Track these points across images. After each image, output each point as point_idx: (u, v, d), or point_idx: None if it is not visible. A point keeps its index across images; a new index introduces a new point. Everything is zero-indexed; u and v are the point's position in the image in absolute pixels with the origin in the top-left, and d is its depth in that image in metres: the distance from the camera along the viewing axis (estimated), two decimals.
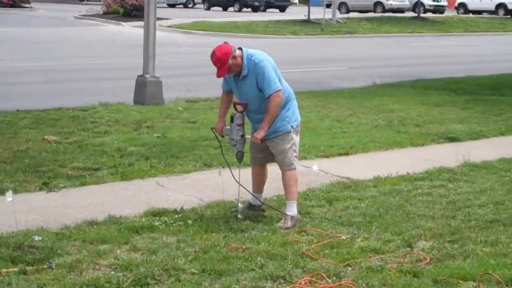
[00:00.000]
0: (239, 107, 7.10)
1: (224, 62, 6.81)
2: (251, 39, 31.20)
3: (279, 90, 6.86)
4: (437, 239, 6.61)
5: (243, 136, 7.07)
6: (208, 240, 6.43)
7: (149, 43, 14.28)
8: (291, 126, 7.06)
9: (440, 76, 19.41)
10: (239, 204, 7.12)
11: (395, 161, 9.86)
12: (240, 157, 7.16)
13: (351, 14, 47.14)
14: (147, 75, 14.21)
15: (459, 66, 22.31)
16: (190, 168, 9.10)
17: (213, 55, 6.85)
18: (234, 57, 6.86)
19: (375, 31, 38.51)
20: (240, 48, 6.96)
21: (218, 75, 6.93)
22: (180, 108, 13.50)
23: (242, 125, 7.08)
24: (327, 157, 10.01)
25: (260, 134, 6.91)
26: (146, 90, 14.07)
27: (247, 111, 7.06)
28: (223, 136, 7.26)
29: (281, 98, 6.88)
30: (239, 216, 7.06)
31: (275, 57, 7.39)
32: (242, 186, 7.13)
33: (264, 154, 7.21)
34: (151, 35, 14.28)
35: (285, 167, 7.11)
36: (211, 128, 7.32)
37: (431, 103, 15.00)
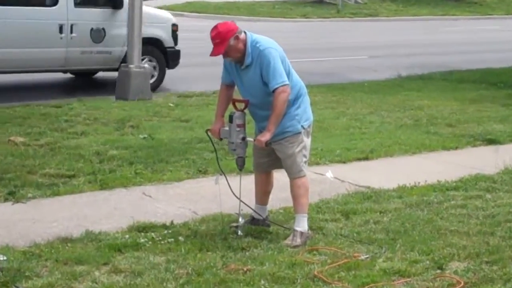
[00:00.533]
0: (240, 105, 7.08)
1: (225, 39, 6.77)
2: (254, 23, 31.21)
3: (286, 84, 6.82)
4: (473, 259, 6.61)
5: (244, 139, 7.01)
6: (203, 260, 6.43)
7: (134, 28, 14.29)
8: (302, 126, 7.05)
9: (477, 67, 19.42)
10: (240, 218, 7.13)
11: (424, 168, 9.87)
12: (240, 163, 7.14)
13: None
14: (131, 65, 14.24)
15: (499, 55, 22.32)
16: (182, 175, 9.12)
17: (214, 29, 6.82)
18: (237, 38, 6.82)
19: (400, 14, 38.53)
20: (244, 32, 6.95)
21: (213, 53, 6.86)
22: (171, 105, 13.52)
23: (243, 125, 7.02)
24: (344, 162, 10.02)
25: (266, 136, 6.87)
26: (130, 83, 14.08)
27: (250, 107, 7.03)
28: (221, 139, 7.26)
29: (287, 94, 6.86)
30: (240, 232, 7.06)
31: (282, 44, 7.38)
32: (243, 202, 7.12)
33: (269, 159, 7.21)
34: (137, 18, 14.29)
35: (294, 174, 7.12)
36: (206, 131, 7.31)
37: (466, 98, 15.01)
